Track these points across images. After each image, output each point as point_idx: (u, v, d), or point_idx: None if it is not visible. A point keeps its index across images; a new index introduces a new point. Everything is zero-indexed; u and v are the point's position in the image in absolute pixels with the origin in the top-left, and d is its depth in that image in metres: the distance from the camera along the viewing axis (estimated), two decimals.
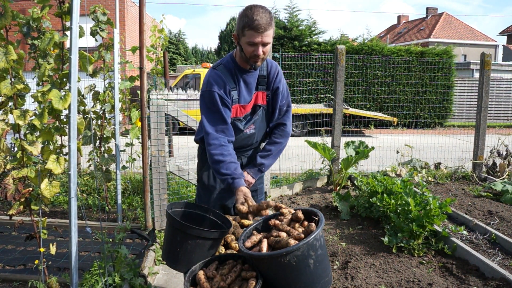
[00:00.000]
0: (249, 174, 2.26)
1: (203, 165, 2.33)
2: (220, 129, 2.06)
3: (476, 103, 6.20)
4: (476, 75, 18.45)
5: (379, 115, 13.37)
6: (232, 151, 2.08)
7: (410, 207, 3.47)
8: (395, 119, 12.90)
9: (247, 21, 1.96)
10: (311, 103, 13.60)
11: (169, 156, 5.65)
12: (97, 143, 4.40)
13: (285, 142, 2.31)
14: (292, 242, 1.62)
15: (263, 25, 1.94)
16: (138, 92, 3.61)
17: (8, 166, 2.43)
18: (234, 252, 1.94)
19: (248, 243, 1.76)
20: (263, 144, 2.40)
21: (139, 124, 4.06)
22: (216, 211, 2.12)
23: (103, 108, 4.41)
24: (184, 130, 5.00)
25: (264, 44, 2.01)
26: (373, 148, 5.07)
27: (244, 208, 1.87)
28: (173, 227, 1.85)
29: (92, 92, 4.33)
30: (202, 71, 13.38)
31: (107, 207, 4.52)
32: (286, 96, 2.29)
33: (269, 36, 1.99)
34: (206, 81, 2.12)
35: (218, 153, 2.02)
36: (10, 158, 2.53)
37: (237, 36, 2.06)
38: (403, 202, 3.63)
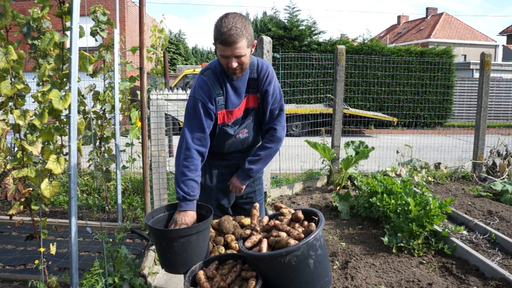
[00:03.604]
0: (238, 179, 2.25)
1: None
2: (197, 137, 2.05)
3: (476, 103, 6.21)
4: (476, 75, 18.45)
5: (379, 115, 13.38)
6: (199, 163, 2.05)
7: (410, 207, 3.48)
8: (395, 119, 12.90)
9: (216, 34, 1.91)
10: (311, 103, 13.61)
11: (169, 156, 5.66)
12: (97, 143, 4.40)
13: (276, 147, 2.25)
14: (292, 242, 1.62)
15: (230, 39, 1.86)
16: (138, 92, 3.61)
17: (8, 166, 2.43)
18: (234, 252, 1.94)
19: (248, 243, 1.77)
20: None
21: (139, 124, 4.06)
22: (198, 202, 2.04)
23: (103, 108, 4.42)
24: None
25: (237, 56, 1.94)
26: (373, 148, 5.08)
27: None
28: (155, 235, 1.85)
29: (92, 92, 4.34)
30: None
31: (107, 207, 4.52)
32: (278, 100, 2.21)
33: (240, 48, 1.90)
34: (193, 87, 2.12)
35: (186, 164, 2.01)
36: (10, 158, 2.53)
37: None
38: (403, 202, 3.63)
